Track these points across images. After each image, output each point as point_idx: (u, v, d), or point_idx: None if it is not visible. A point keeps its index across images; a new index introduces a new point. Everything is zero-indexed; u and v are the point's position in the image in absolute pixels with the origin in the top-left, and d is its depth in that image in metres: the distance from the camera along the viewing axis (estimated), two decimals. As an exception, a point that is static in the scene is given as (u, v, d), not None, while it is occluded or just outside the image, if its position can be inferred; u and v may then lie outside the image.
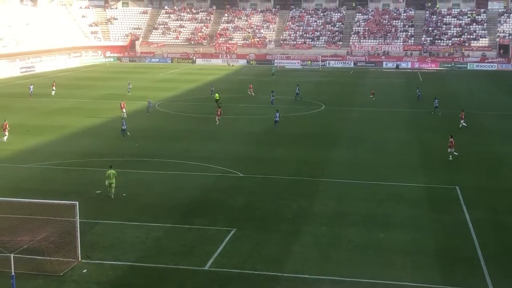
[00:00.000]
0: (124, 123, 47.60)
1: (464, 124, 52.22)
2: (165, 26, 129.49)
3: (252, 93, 71.50)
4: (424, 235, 27.59)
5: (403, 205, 31.79)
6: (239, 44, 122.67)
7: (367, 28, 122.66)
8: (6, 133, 46.27)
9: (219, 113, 54.01)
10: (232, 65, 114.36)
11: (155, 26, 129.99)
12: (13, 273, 19.59)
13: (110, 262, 24.36)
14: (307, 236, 27.45)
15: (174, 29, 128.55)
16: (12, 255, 20.44)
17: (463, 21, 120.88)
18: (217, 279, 23.02)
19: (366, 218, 29.66)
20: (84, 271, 23.49)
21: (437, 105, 60.36)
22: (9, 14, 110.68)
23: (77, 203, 24.03)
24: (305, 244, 26.55)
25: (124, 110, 55.20)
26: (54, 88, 70.56)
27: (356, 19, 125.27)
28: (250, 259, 24.76)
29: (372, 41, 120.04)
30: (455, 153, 41.22)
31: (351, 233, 27.69)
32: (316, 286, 22.17)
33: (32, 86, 70.60)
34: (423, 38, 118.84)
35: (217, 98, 63.17)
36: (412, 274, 23.45)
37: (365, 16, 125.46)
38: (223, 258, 24.85)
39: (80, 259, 24.11)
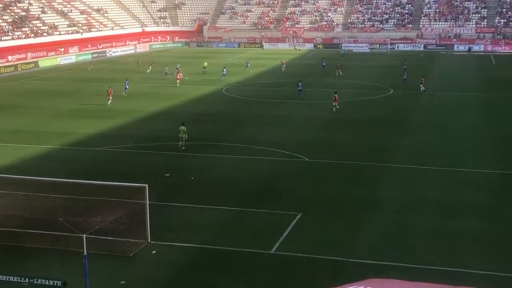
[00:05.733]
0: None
1: (423, 88, 61.27)
2: (232, 10, 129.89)
3: (340, 73, 74.05)
4: (496, 224, 26.85)
5: (476, 192, 30.99)
6: (306, 28, 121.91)
7: (438, 10, 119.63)
8: (110, 98, 54.93)
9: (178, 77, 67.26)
10: (299, 49, 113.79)
11: (222, 11, 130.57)
12: (85, 253, 20.16)
13: (179, 244, 24.78)
14: (374, 222, 27.17)
15: (241, 13, 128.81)
16: (84, 235, 21.02)
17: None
18: (283, 262, 23.09)
19: (436, 205, 29.09)
20: (153, 252, 23.98)
21: (405, 77, 67.29)
22: (81, 0, 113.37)
23: (146, 185, 24.48)
24: (372, 230, 26.29)
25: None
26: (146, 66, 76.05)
27: (427, 0, 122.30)
28: (316, 244, 24.72)
29: (443, 23, 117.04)
30: (337, 106, 51.21)
31: (420, 221, 27.23)
32: (384, 272, 21.90)
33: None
34: (496, 20, 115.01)
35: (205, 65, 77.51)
36: (482, 263, 22.88)
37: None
38: (290, 242, 24.90)
39: (149, 241, 24.61)
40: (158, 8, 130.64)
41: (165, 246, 24.57)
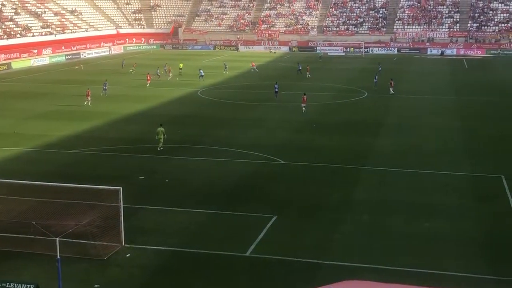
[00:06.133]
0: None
1: (392, 91, 62.09)
2: (208, 13, 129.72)
3: (309, 75, 75.68)
4: (469, 225, 27.15)
5: (448, 194, 31.32)
6: (281, 31, 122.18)
7: (411, 14, 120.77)
8: (89, 99, 55.26)
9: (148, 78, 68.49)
10: (274, 52, 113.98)
11: (198, 13, 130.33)
12: (58, 257, 19.97)
13: (153, 247, 24.65)
14: (349, 224, 27.29)
15: (216, 16, 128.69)
16: (57, 238, 20.82)
17: (511, 7, 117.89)
18: (258, 265, 23.09)
19: (409, 207, 29.33)
20: (128, 255, 23.82)
21: (376, 79, 67.14)
22: (54, 1, 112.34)
23: (121, 188, 24.33)
24: (347, 232, 26.40)
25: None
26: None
27: (400, 5, 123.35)
28: (291, 246, 24.75)
29: (416, 27, 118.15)
30: (303, 108, 52.07)
31: (394, 222, 27.42)
32: (358, 274, 22.01)
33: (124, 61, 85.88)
34: (469, 24, 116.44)
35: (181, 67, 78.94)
36: (456, 264, 23.11)
37: (409, 2, 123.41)
38: (264, 244, 24.89)
39: (123, 244, 24.45)
40: (132, 10, 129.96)
41: (139, 249, 24.42)
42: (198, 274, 22.49)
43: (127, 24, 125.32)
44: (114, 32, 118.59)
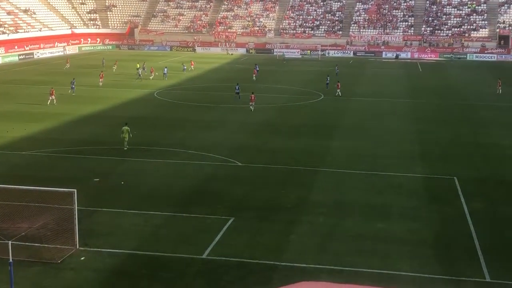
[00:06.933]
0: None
1: (339, 93, 63.06)
2: (164, 14, 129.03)
3: (254, 78, 75.72)
4: (422, 226, 27.63)
5: (402, 196, 31.81)
6: (238, 33, 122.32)
7: (367, 18, 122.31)
8: (53, 97, 55.19)
9: (101, 76, 69.28)
10: (232, 54, 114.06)
11: (154, 14, 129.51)
12: (11, 260, 19.61)
13: (108, 250, 24.38)
14: (305, 225, 27.47)
15: (173, 17, 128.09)
16: (10, 242, 20.45)
17: (463, 12, 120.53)
18: (214, 267, 23.05)
19: (364, 208, 29.68)
20: (82, 258, 23.51)
21: (328, 81, 68.26)
22: (7, 0, 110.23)
23: (75, 190, 23.99)
24: (303, 233, 26.57)
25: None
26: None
27: (356, 8, 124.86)
28: (248, 248, 24.78)
29: (372, 30, 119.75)
30: (251, 107, 53.67)
31: (349, 223, 27.71)
32: (314, 275, 22.19)
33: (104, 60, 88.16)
34: (423, 28, 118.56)
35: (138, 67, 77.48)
36: (409, 264, 23.48)
37: (365, 6, 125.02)
38: (221, 246, 24.88)
39: (78, 247, 24.13)
40: (88, 10, 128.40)
41: (94, 252, 24.14)
42: (154, 277, 22.34)
43: (82, 24, 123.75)
44: (68, 32, 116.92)
